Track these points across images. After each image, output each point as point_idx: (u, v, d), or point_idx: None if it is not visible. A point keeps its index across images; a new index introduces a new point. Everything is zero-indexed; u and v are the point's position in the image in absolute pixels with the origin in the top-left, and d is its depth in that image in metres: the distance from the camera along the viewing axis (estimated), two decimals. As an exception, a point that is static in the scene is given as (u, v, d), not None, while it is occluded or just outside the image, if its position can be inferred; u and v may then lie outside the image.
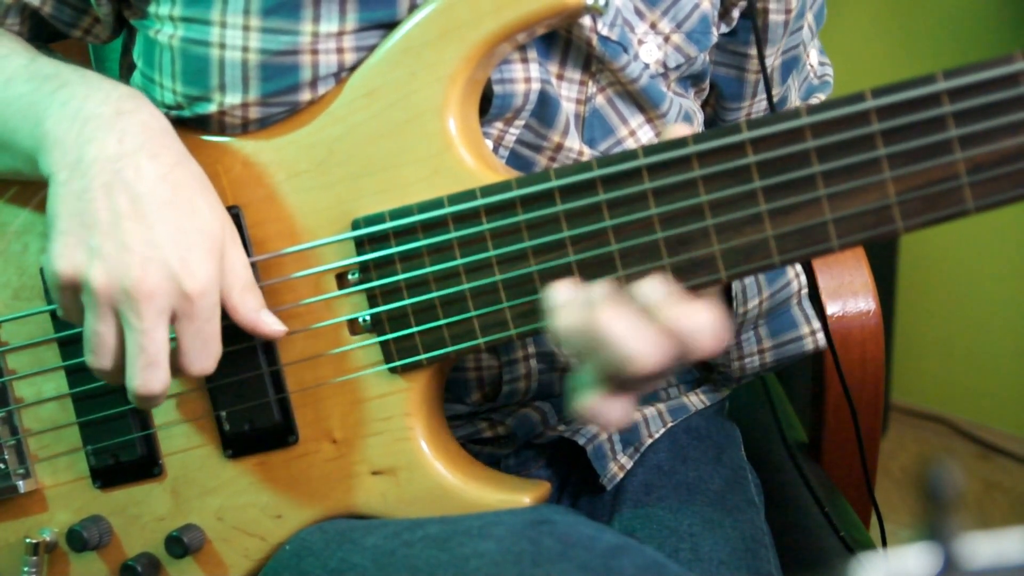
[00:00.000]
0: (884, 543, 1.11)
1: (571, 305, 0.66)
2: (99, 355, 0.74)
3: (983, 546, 0.35)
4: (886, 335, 1.13)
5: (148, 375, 0.72)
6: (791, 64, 0.94)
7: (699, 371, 1.06)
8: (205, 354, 0.75)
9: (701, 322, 0.63)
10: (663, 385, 1.01)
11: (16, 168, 0.82)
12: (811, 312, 0.97)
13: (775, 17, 0.88)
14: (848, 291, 1.12)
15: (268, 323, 0.77)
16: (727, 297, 0.92)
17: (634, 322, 0.63)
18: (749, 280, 0.92)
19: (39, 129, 0.76)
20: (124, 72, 0.94)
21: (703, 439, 1.00)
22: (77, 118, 0.75)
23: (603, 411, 0.65)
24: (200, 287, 0.72)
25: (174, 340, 0.74)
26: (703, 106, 0.95)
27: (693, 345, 0.63)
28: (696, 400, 1.03)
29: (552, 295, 0.67)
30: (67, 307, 0.76)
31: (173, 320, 0.73)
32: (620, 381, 0.65)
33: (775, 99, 0.94)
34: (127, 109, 0.76)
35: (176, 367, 0.75)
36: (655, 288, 0.64)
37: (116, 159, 0.73)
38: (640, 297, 0.65)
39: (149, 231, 0.72)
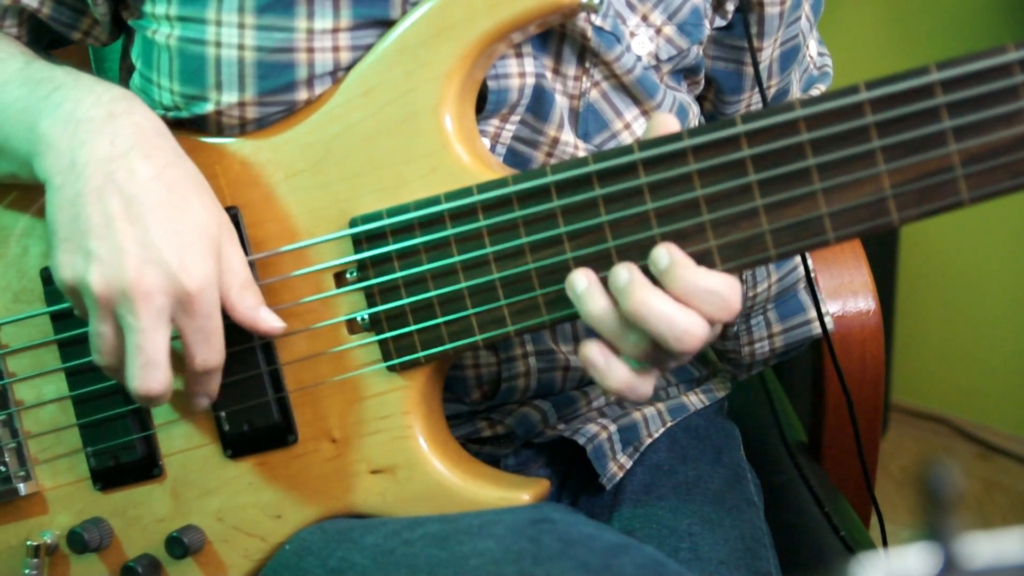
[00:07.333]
0: (884, 543, 1.11)
1: (595, 289, 0.71)
2: (103, 354, 0.76)
3: (983, 546, 0.35)
4: (886, 335, 1.13)
5: (146, 375, 0.73)
6: (790, 55, 0.94)
7: (702, 369, 1.06)
8: (209, 349, 0.75)
9: (711, 285, 0.68)
10: (664, 384, 1.01)
11: (13, 172, 0.82)
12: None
13: (771, 9, 0.89)
14: (848, 291, 1.12)
15: (266, 320, 0.78)
16: None
17: (674, 301, 0.68)
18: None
19: (33, 133, 0.77)
20: (124, 74, 0.95)
21: (702, 439, 1.00)
22: (70, 121, 0.75)
23: (639, 389, 0.71)
24: (199, 284, 0.73)
25: (176, 339, 0.75)
26: (702, 101, 0.96)
27: (706, 312, 0.67)
28: (695, 400, 1.03)
29: (574, 283, 0.71)
30: (79, 310, 0.76)
31: (174, 319, 0.73)
32: (660, 357, 0.70)
33: (774, 89, 0.95)
34: (119, 111, 0.76)
35: (182, 364, 0.75)
36: (662, 254, 0.69)
37: (108, 161, 0.73)
38: (650, 264, 0.69)
39: (144, 232, 0.72)
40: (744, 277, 0.91)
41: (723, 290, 0.68)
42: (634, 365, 0.71)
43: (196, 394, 0.79)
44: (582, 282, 0.71)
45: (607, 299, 0.70)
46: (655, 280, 0.69)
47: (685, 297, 0.68)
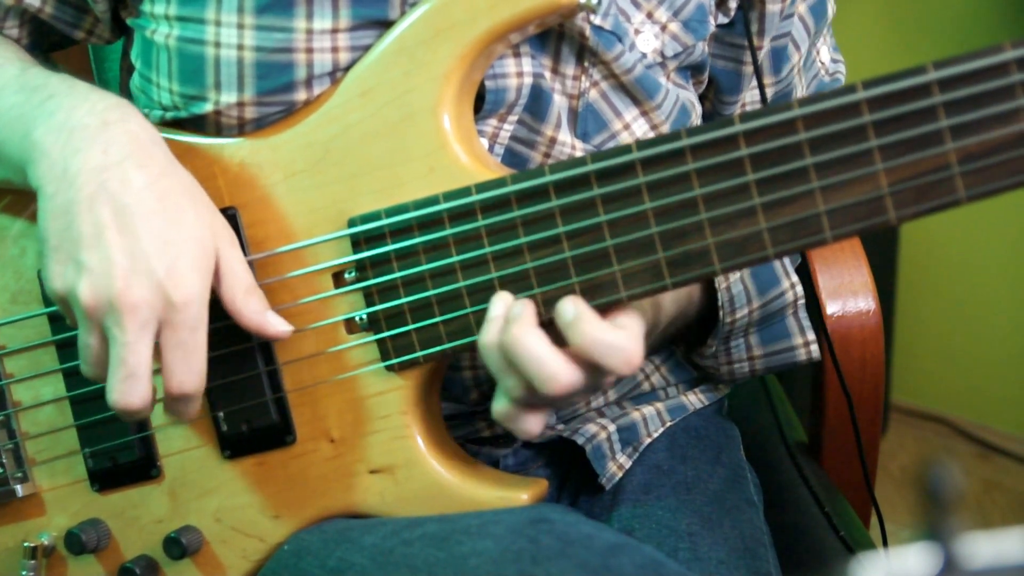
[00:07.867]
0: (884, 543, 1.11)
1: (498, 321, 0.71)
2: (90, 365, 0.75)
3: (983, 546, 0.35)
4: (886, 335, 1.13)
5: (126, 388, 0.72)
6: (780, 53, 0.93)
7: (697, 370, 1.06)
8: (186, 368, 0.73)
9: (612, 340, 0.67)
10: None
11: (7, 178, 0.82)
12: (807, 324, 0.96)
13: (772, 7, 0.89)
14: (848, 291, 1.12)
15: (274, 324, 0.77)
16: (712, 306, 0.92)
17: (549, 344, 0.68)
18: (738, 290, 0.92)
19: (27, 141, 0.76)
20: (124, 74, 0.95)
21: (702, 439, 1.00)
22: (63, 129, 0.75)
23: (519, 423, 0.72)
24: (185, 296, 0.71)
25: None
26: (702, 100, 0.95)
27: (605, 364, 0.67)
28: (695, 399, 1.02)
29: (490, 306, 0.72)
30: (70, 319, 0.76)
31: (158, 332, 0.72)
32: (535, 399, 0.70)
33: (771, 91, 0.94)
34: (113, 119, 0.75)
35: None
36: (568, 307, 0.69)
37: (101, 170, 0.73)
38: (557, 316, 0.70)
39: (134, 242, 0.71)
40: (721, 302, 0.91)
41: (623, 344, 0.68)
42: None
43: (171, 412, 0.76)
44: (497, 308, 0.72)
45: (500, 336, 0.71)
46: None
47: (587, 349, 0.68)
